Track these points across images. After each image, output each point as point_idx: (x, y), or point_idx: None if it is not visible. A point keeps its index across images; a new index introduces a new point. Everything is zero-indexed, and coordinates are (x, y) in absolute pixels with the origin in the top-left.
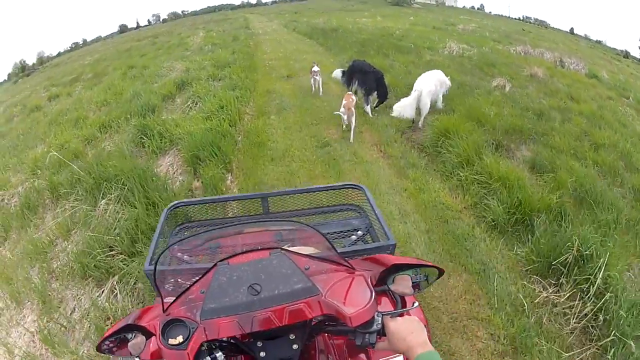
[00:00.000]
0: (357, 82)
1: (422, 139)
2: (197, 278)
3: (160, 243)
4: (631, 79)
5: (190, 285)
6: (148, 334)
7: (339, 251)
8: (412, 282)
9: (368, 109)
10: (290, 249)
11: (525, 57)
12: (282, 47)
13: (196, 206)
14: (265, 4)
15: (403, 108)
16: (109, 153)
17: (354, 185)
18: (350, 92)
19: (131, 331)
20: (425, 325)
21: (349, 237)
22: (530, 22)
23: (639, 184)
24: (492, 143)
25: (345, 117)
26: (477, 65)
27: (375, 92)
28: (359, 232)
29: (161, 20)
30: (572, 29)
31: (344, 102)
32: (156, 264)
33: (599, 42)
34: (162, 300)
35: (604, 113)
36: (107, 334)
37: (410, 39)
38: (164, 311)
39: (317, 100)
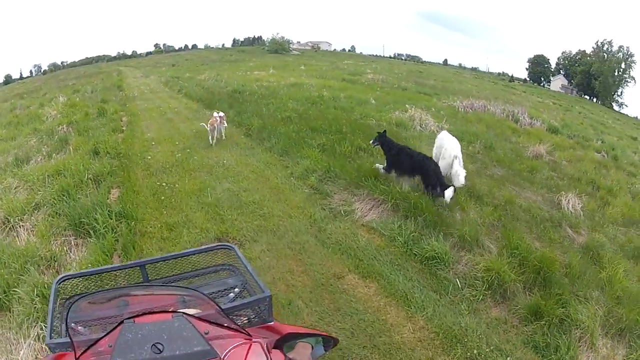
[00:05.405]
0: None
1: None
2: (107, 332)
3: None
4: (563, 115)
5: (100, 338)
6: None
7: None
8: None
9: None
10: (186, 311)
11: (478, 115)
12: (173, 129)
13: (81, 279)
14: (140, 55)
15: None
16: None
17: (225, 245)
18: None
19: None
20: None
21: (227, 295)
22: (404, 59)
23: None
24: None
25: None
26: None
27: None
28: (236, 290)
29: (42, 71)
30: (445, 60)
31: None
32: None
33: (474, 68)
34: (75, 350)
35: None
36: None
37: (344, 104)
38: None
39: None
